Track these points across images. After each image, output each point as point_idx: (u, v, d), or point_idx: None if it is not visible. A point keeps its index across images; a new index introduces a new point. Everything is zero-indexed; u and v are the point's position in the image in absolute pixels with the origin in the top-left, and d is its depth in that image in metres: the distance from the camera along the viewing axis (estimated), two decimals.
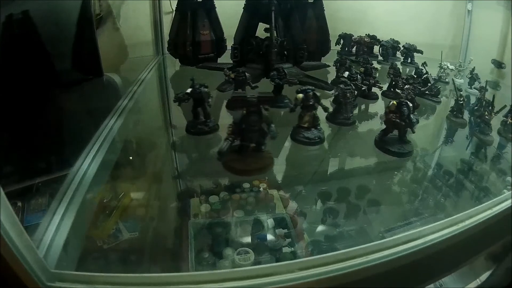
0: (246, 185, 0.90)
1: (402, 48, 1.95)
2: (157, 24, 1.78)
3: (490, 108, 1.26)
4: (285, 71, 1.11)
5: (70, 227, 0.66)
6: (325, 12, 1.62)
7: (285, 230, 0.77)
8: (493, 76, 2.11)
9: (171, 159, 1.03)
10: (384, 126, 1.00)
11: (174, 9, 1.83)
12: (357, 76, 1.19)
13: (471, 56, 2.23)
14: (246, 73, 1.09)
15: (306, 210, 0.83)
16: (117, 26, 1.68)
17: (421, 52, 1.90)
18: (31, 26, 1.26)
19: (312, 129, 0.95)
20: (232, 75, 1.09)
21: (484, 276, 1.27)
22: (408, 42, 2.02)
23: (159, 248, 0.75)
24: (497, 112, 1.26)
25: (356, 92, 1.09)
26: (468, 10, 2.19)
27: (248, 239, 0.76)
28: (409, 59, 1.92)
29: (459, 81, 1.78)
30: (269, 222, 0.80)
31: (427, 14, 2.28)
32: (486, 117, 1.26)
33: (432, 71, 1.84)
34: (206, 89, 0.95)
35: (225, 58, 1.63)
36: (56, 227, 0.65)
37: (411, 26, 2.24)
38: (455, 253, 0.73)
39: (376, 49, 1.95)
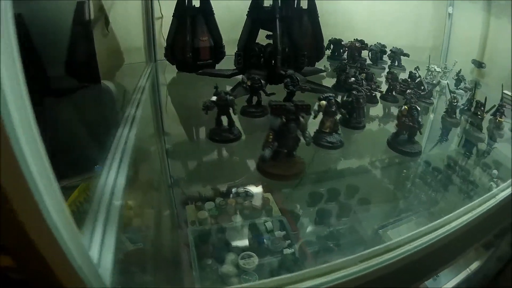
0: (241, 190, 0.98)
1: (389, 52, 2.12)
2: (149, 30, 1.83)
3: (482, 108, 1.44)
4: (298, 78, 1.23)
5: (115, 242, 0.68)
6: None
7: (284, 232, 0.84)
8: (473, 75, 2.34)
9: (183, 166, 1.12)
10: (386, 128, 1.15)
11: (163, 14, 1.93)
12: (362, 82, 1.33)
13: (452, 56, 2.48)
14: (261, 81, 1.20)
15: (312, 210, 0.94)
16: (106, 32, 1.73)
17: (408, 55, 2.08)
18: (23, 30, 1.30)
19: (333, 133, 1.08)
20: (249, 83, 1.19)
21: (473, 266, 1.45)
22: (389, 44, 2.21)
23: (164, 258, 0.81)
24: (488, 111, 1.45)
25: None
26: (449, 13, 2.42)
27: (248, 243, 0.82)
28: (396, 62, 2.10)
29: (445, 82, 1.97)
30: (267, 225, 0.86)
31: (409, 17, 2.50)
32: (479, 116, 1.44)
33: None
34: (231, 97, 1.04)
35: (224, 65, 1.73)
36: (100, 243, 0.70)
37: (393, 29, 2.45)
38: (457, 245, 0.86)
39: (364, 53, 2.11)
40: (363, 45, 2.02)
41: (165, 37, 1.85)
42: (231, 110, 1.06)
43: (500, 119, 1.49)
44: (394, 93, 1.53)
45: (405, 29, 2.50)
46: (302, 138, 0.92)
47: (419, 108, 1.12)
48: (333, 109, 1.05)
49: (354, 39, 2.04)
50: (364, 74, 1.46)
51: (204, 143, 1.12)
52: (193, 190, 1.01)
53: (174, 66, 1.72)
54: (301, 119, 0.89)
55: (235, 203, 0.93)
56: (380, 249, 0.68)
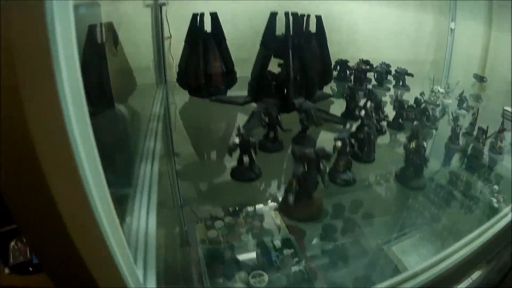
0: (250, 209, 1.09)
1: (394, 73, 2.26)
2: (159, 51, 1.93)
3: (484, 136, 1.58)
4: (312, 113, 1.36)
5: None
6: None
7: (292, 250, 0.92)
8: (474, 89, 2.48)
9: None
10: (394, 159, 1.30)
11: (172, 34, 2.04)
12: (372, 114, 1.46)
13: (454, 70, 2.62)
14: (278, 117, 1.32)
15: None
16: (115, 51, 1.81)
17: (412, 75, 2.22)
18: None
19: (347, 171, 1.21)
20: (267, 119, 1.32)
21: (475, 275, 1.59)
22: (393, 58, 2.35)
23: (175, 277, 0.87)
24: (489, 137, 1.59)
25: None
26: (451, 29, 2.57)
27: (257, 261, 0.91)
28: (401, 82, 2.24)
29: (447, 101, 2.11)
30: (276, 243, 0.95)
31: (412, 32, 2.64)
32: (481, 144, 1.58)
33: (417, 89, 2.18)
34: (253, 138, 1.17)
35: (235, 88, 1.85)
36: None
37: (396, 44, 2.59)
38: (467, 266, 0.98)
39: (370, 73, 2.25)
40: (368, 65, 2.15)
41: (174, 57, 1.97)
42: (252, 151, 1.18)
43: (500, 143, 1.63)
44: (400, 120, 1.66)
45: (408, 44, 2.64)
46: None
47: (425, 145, 1.26)
48: (347, 150, 1.18)
49: (360, 60, 2.17)
50: (373, 104, 1.58)
51: (226, 181, 1.23)
52: (204, 210, 1.12)
53: (186, 90, 1.83)
54: (321, 165, 1.02)
55: (244, 222, 1.03)
56: (396, 281, 0.82)
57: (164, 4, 1.95)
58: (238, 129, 1.17)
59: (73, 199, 0.40)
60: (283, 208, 1.04)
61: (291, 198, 0.99)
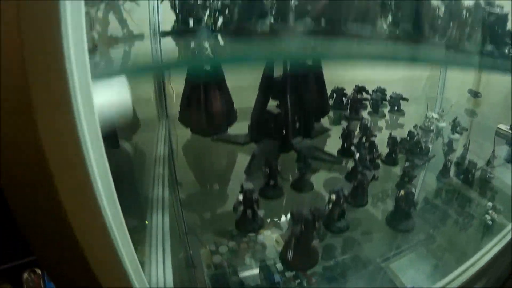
0: (252, 234, 1.23)
1: (389, 98, 2.42)
2: (160, 84, 2.06)
3: (473, 171, 1.75)
4: (310, 162, 1.52)
5: None
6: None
7: (293, 272, 1.07)
8: (469, 104, 2.64)
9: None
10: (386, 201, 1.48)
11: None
12: (365, 157, 1.62)
13: (449, 86, 2.78)
14: (278, 166, 1.48)
15: None
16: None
17: (407, 100, 2.38)
18: None
19: (341, 219, 1.38)
20: (267, 171, 1.48)
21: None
22: (388, 78, 2.53)
23: None
24: (478, 169, 1.77)
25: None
26: None
27: (261, 284, 1.05)
28: (396, 107, 2.41)
29: (441, 125, 2.27)
30: (278, 266, 1.11)
31: None
32: (469, 178, 1.75)
33: (412, 108, 2.40)
34: (255, 195, 1.33)
35: (235, 129, 1.97)
36: None
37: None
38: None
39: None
40: (364, 91, 2.30)
41: (173, 87, 2.11)
42: (255, 205, 1.34)
43: (490, 174, 1.81)
44: (394, 155, 1.83)
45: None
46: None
47: (414, 191, 1.42)
48: (341, 201, 1.35)
49: (356, 86, 2.32)
50: (367, 143, 1.74)
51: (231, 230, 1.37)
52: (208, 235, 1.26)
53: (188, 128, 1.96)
54: (317, 224, 1.19)
55: (247, 247, 1.18)
56: None
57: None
58: (242, 186, 1.33)
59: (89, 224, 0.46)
60: (283, 259, 1.20)
61: (290, 254, 1.16)
